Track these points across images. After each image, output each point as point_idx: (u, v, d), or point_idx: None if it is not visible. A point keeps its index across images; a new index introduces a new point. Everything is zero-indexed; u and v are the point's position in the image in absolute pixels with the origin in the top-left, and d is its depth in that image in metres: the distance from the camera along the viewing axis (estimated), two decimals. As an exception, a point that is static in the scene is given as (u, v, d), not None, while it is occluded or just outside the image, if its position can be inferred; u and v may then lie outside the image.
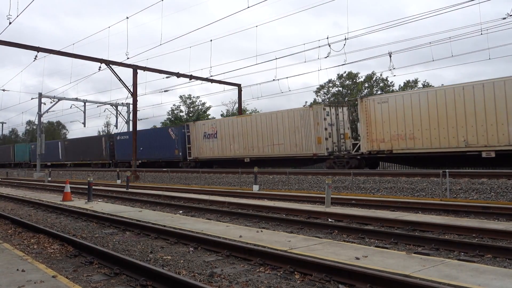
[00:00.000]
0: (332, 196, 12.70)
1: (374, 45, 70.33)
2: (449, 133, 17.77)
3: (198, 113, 60.03)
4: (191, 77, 32.73)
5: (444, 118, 17.93)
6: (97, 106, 45.52)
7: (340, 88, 55.54)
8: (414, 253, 6.58)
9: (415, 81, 51.64)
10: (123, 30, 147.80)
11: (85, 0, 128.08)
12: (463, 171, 16.50)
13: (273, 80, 27.53)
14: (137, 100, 31.24)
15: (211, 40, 26.78)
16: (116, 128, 45.62)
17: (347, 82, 54.90)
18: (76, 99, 43.13)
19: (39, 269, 5.55)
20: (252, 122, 26.37)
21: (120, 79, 30.51)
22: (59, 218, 11.83)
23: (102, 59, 29.16)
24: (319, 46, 22.30)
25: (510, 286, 4.62)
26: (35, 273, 5.35)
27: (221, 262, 6.32)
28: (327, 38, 20.86)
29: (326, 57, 22.27)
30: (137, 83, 30.89)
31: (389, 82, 52.84)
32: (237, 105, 42.81)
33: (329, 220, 10.22)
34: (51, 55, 28.15)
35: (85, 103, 43.80)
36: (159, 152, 33.53)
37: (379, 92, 51.15)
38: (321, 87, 55.35)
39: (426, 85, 50.44)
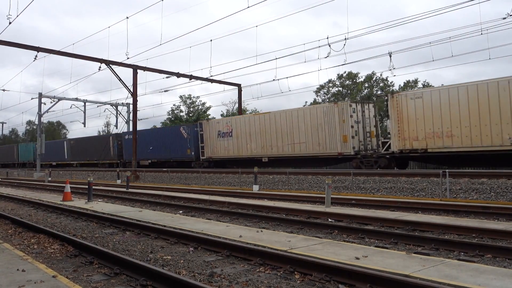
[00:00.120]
0: (332, 196, 12.70)
1: (374, 45, 70.37)
2: (492, 130, 16.52)
3: (198, 113, 60.03)
4: (191, 77, 32.73)
5: (486, 114, 16.63)
6: (97, 106, 45.48)
7: (340, 88, 55.56)
8: (414, 253, 6.58)
9: (415, 81, 51.64)
10: (123, 30, 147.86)
11: (85, 0, 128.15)
12: (463, 171, 16.48)
13: (273, 80, 27.59)
14: (137, 100, 31.27)
15: (211, 40, 26.82)
16: (116, 128, 45.53)
17: (347, 82, 54.93)
18: (76, 99, 43.09)
19: (39, 269, 5.55)
20: (271, 119, 25.12)
21: (120, 79, 30.52)
22: (59, 218, 11.83)
23: (102, 59, 29.17)
24: (319, 46, 22.34)
25: (510, 286, 4.62)
26: (35, 273, 5.36)
27: (221, 262, 6.32)
28: (327, 38, 20.90)
29: (326, 57, 22.31)
30: (137, 83, 30.94)
31: (389, 82, 52.87)
32: (237, 105, 42.82)
33: (329, 220, 10.22)
34: (51, 55, 28.17)
35: (85, 103, 43.76)
36: (170, 152, 32.55)
37: (379, 92, 51.17)
38: (321, 87, 55.39)
39: (426, 85, 50.46)
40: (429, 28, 62.91)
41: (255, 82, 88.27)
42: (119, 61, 29.95)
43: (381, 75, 52.50)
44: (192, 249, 7.18)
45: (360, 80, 53.81)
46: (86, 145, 43.44)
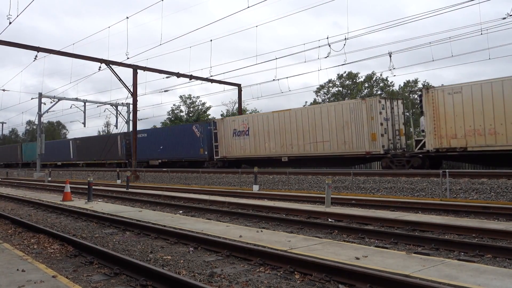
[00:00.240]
0: (332, 196, 12.70)
1: (374, 45, 70.34)
2: None
3: (198, 113, 60.05)
4: (191, 77, 32.73)
5: None
6: (97, 106, 45.45)
7: (340, 88, 55.58)
8: (414, 253, 6.58)
9: (415, 81, 51.69)
10: (123, 30, 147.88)
11: (85, 0, 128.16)
12: (463, 171, 16.47)
13: (273, 80, 27.57)
14: (137, 100, 31.26)
15: (211, 40, 26.79)
16: (116, 128, 45.43)
17: (347, 82, 54.96)
18: (76, 99, 43.08)
19: (39, 269, 5.55)
20: (291, 117, 23.95)
21: (120, 79, 30.52)
22: (59, 218, 11.83)
23: (102, 59, 29.16)
24: (319, 46, 22.32)
25: (510, 286, 4.62)
26: (35, 273, 5.35)
27: (221, 262, 6.32)
28: (327, 38, 20.88)
29: (326, 57, 22.27)
30: (137, 83, 30.92)
31: (389, 82, 52.92)
32: (237, 105, 42.82)
33: (329, 220, 10.22)
34: (51, 55, 28.16)
35: (85, 103, 43.75)
36: (182, 151, 31.47)
37: (379, 92, 51.20)
38: (321, 87, 55.45)
39: (426, 85, 50.44)
40: (429, 28, 62.97)
41: (255, 82, 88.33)
42: (119, 61, 29.98)
43: (381, 75, 52.57)
44: (192, 249, 7.18)
45: (360, 80, 53.85)
46: (92, 145, 42.18)
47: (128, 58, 27.86)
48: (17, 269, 5.50)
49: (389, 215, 10.28)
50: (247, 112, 54.14)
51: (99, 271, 5.89)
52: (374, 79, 53.36)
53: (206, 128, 29.78)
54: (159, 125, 57.94)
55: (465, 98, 17.17)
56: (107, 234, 8.92)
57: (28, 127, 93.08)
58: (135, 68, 30.44)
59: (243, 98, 38.77)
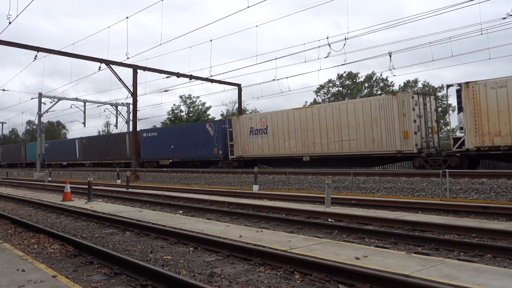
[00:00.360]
0: (332, 196, 12.70)
1: (374, 45, 70.36)
2: None
3: (198, 113, 60.07)
4: (191, 77, 32.74)
5: None
6: (97, 106, 45.56)
7: (340, 88, 55.59)
8: (414, 253, 6.58)
9: (415, 81, 51.70)
10: (123, 30, 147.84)
11: (85, 0, 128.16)
12: (463, 171, 16.43)
13: (273, 80, 27.57)
14: (137, 100, 31.28)
15: (211, 40, 26.81)
16: (116, 128, 45.51)
17: (347, 82, 54.97)
18: (76, 99, 43.15)
19: (39, 269, 5.55)
20: (314, 114, 22.78)
21: (120, 79, 30.53)
22: (59, 218, 11.83)
23: (102, 59, 29.17)
24: (319, 46, 22.32)
25: (510, 286, 4.62)
26: (35, 273, 5.35)
27: (221, 262, 6.32)
28: (327, 38, 20.88)
29: (326, 57, 22.27)
30: (137, 83, 30.94)
31: (389, 82, 52.93)
32: (237, 105, 42.83)
33: (329, 220, 10.22)
34: (51, 55, 28.17)
35: (85, 103, 43.83)
36: (194, 151, 30.28)
37: (379, 92, 51.22)
38: (321, 87, 55.45)
39: (426, 85, 50.49)
40: (429, 28, 62.97)
41: (255, 82, 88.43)
42: (119, 61, 29.99)
43: (381, 75, 52.58)
44: (192, 249, 7.18)
45: (360, 80, 53.87)
46: (99, 144, 40.60)
47: (128, 58, 27.90)
48: (17, 269, 5.50)
49: (389, 215, 10.28)
50: (247, 112, 54.12)
51: (99, 271, 5.89)
52: (374, 79, 53.38)
53: (220, 127, 28.73)
54: (159, 125, 57.93)
55: (511, 93, 16.04)
56: (107, 234, 8.92)
57: (28, 127, 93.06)
58: (135, 68, 30.45)
59: (243, 98, 38.80)
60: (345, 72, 53.27)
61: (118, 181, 28.25)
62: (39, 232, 8.92)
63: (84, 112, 43.69)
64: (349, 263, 5.56)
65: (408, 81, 51.99)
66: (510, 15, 17.11)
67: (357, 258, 5.88)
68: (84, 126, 44.14)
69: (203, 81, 34.10)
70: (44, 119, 49.05)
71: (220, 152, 28.39)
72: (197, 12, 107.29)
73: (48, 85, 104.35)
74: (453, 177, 14.66)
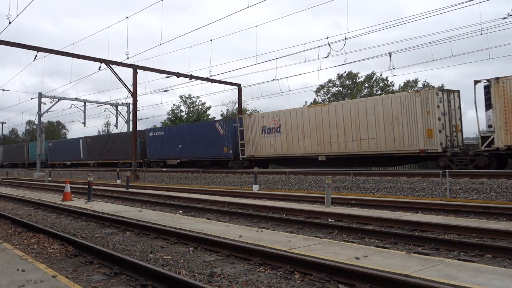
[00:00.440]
0: (332, 196, 12.70)
1: (374, 45, 70.37)
2: None
3: (198, 113, 60.08)
4: (191, 77, 32.73)
5: None
6: (97, 106, 45.58)
7: (340, 88, 55.60)
8: (414, 253, 6.58)
9: (415, 81, 51.71)
10: (123, 30, 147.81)
11: (85, 0, 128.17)
12: (463, 171, 16.42)
13: (273, 80, 27.54)
14: (137, 100, 31.26)
15: (211, 40, 26.76)
16: (116, 128, 45.54)
17: (347, 82, 54.96)
18: (76, 99, 43.18)
19: (39, 269, 5.55)
20: (330, 112, 21.92)
21: (120, 79, 30.53)
22: (59, 218, 11.83)
23: (102, 59, 29.16)
24: (319, 46, 22.28)
25: (510, 286, 4.62)
26: (35, 273, 5.35)
27: (221, 262, 6.32)
28: (327, 38, 20.85)
29: (326, 57, 22.22)
30: (137, 83, 30.93)
31: (389, 82, 52.93)
32: (237, 105, 42.84)
33: (329, 220, 10.22)
34: (51, 55, 28.16)
35: (85, 103, 43.86)
36: (203, 150, 29.47)
37: (379, 92, 51.25)
38: (321, 87, 55.42)
39: (426, 85, 50.51)
40: (429, 28, 63.00)
41: (255, 82, 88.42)
42: (119, 61, 29.96)
43: (381, 75, 52.57)
44: (192, 249, 7.18)
45: (360, 80, 53.87)
46: (104, 144, 39.62)
47: (128, 58, 27.78)
48: (17, 269, 5.50)
49: (389, 215, 10.28)
50: (247, 112, 54.13)
51: (99, 271, 5.89)
52: (374, 79, 53.37)
53: (230, 125, 27.87)
54: (159, 125, 57.90)
55: None
56: (107, 234, 8.92)
57: (28, 127, 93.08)
58: (135, 68, 30.45)
59: (243, 98, 38.78)
60: (345, 72, 53.28)
61: (118, 181, 28.25)
62: (39, 232, 8.92)
63: (84, 112, 43.75)
64: (349, 263, 5.56)
65: (408, 81, 52.00)
66: (510, 15, 17.10)
67: (357, 258, 5.88)
68: (84, 126, 44.22)
69: (203, 81, 34.11)
70: (44, 119, 49.10)
71: (231, 151, 27.60)
72: (197, 12, 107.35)
73: (48, 85, 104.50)
74: (453, 177, 14.66)
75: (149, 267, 5.49)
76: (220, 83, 35.00)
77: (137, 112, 32.05)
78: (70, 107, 43.32)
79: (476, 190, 13.63)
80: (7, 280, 5.02)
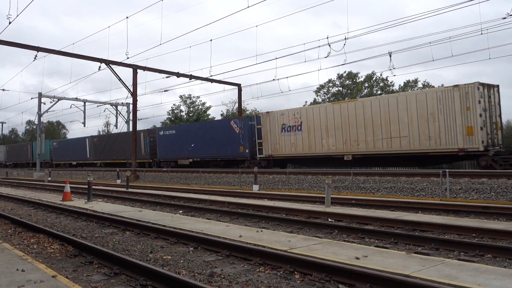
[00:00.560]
0: (332, 196, 12.69)
1: (374, 45, 70.37)
2: None
3: (198, 113, 60.09)
4: (191, 76, 32.73)
5: None
6: (97, 106, 45.58)
7: (340, 88, 55.60)
8: (414, 253, 6.58)
9: (415, 81, 51.74)
10: (123, 30, 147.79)
11: (85, 0, 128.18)
12: (463, 171, 16.40)
13: (273, 80, 27.54)
14: (137, 100, 31.26)
15: (211, 40, 26.74)
16: (116, 128, 45.53)
17: (347, 82, 54.96)
18: (76, 99, 43.18)
19: (39, 269, 5.55)
20: (357, 109, 20.79)
21: (120, 79, 30.53)
22: (59, 218, 11.83)
23: (102, 59, 29.17)
24: (319, 46, 22.26)
25: (510, 286, 4.61)
26: (35, 273, 5.35)
27: (221, 262, 6.32)
28: (327, 38, 20.83)
29: (326, 57, 22.20)
30: (137, 83, 30.92)
31: (389, 82, 52.94)
32: (237, 105, 42.85)
33: (329, 220, 10.22)
34: (51, 55, 28.17)
35: (85, 103, 43.87)
36: (217, 150, 28.38)
37: (379, 92, 51.27)
38: (321, 87, 55.42)
39: (426, 85, 50.54)
40: (429, 28, 63.00)
41: (255, 82, 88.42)
42: (119, 61, 29.96)
43: (381, 75, 52.58)
44: (192, 249, 7.17)
45: (360, 80, 53.88)
46: (112, 143, 38.50)
47: (128, 58, 27.77)
48: (17, 269, 5.49)
49: (389, 215, 10.28)
50: (247, 112, 54.13)
51: (99, 271, 5.89)
52: (374, 79, 53.38)
53: (247, 124, 26.67)
54: (159, 125, 57.89)
55: None
56: (107, 234, 8.91)
57: (28, 127, 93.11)
58: (135, 68, 30.44)
59: (243, 98, 38.79)
60: (345, 72, 53.27)
61: (118, 181, 28.25)
62: (39, 232, 8.92)
63: (84, 112, 43.76)
64: (349, 263, 5.55)
65: (408, 81, 52.02)
66: (510, 15, 17.09)
67: (357, 258, 5.88)
68: (84, 126, 44.21)
69: (203, 81, 34.12)
70: (44, 119, 49.02)
71: (247, 150, 26.39)
72: (197, 12, 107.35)
73: (48, 85, 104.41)
74: (453, 177, 14.66)
75: (149, 267, 5.49)
76: (220, 83, 35.02)
77: (137, 112, 32.09)
78: (70, 107, 43.37)
79: (476, 190, 13.63)
80: (7, 280, 5.02)
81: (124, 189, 21.03)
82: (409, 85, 51.31)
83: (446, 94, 17.95)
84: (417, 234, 8.13)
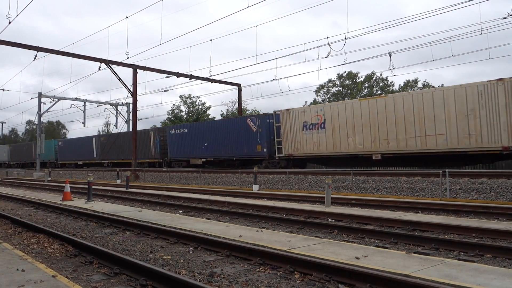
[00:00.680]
0: (332, 196, 12.70)
1: (374, 45, 70.35)
2: None
3: (198, 113, 60.11)
4: (191, 76, 32.73)
5: None
6: (97, 106, 45.60)
7: (340, 88, 55.61)
8: (414, 253, 6.58)
9: (415, 81, 51.79)
10: (122, 30, 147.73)
11: (85, 0, 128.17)
12: (463, 170, 16.37)
13: (273, 80, 27.55)
14: (137, 100, 31.27)
15: (211, 40, 26.76)
16: (116, 127, 45.52)
17: (347, 82, 54.99)
18: (76, 99, 43.19)
19: (39, 269, 5.55)
20: (387, 105, 19.76)
21: (120, 79, 30.54)
22: (59, 218, 11.83)
23: (102, 59, 29.17)
24: (319, 46, 22.27)
25: (510, 286, 4.61)
26: (35, 272, 5.35)
27: (221, 261, 6.32)
28: (327, 38, 20.83)
29: (326, 57, 22.21)
30: (137, 83, 30.93)
31: (389, 82, 52.97)
32: (237, 105, 42.85)
33: (329, 220, 10.22)
34: (51, 54, 28.17)
35: (84, 103, 43.89)
36: (232, 149, 27.40)
37: (379, 92, 51.25)
38: (321, 87, 55.47)
39: (426, 85, 50.56)
40: (429, 28, 63.00)
41: (255, 82, 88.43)
42: (119, 60, 29.98)
43: (381, 75, 52.64)
44: (192, 249, 7.17)
45: (360, 80, 53.90)
46: (119, 142, 37.29)
47: (128, 58, 27.77)
48: (17, 269, 5.49)
49: (389, 215, 10.28)
50: (247, 112, 54.14)
51: (99, 271, 5.89)
52: (374, 79, 53.41)
53: (264, 122, 25.55)
54: (159, 125, 57.91)
55: None
56: (107, 234, 8.91)
57: (28, 127, 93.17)
58: (135, 68, 30.45)
59: (243, 98, 38.80)
60: (345, 72, 53.33)
61: (118, 181, 28.25)
62: (39, 232, 8.92)
63: (84, 112, 43.78)
64: (349, 263, 5.55)
65: (408, 81, 52.06)
66: (510, 15, 17.09)
67: (357, 258, 5.88)
68: (84, 126, 44.23)
69: (203, 81, 34.13)
70: (44, 119, 49.00)
71: (265, 150, 25.36)
72: (197, 12, 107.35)
73: (48, 85, 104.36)
74: (453, 177, 14.66)
75: (149, 267, 5.49)
76: (220, 83, 35.03)
77: (137, 112, 32.09)
78: (70, 107, 43.39)
79: (476, 190, 13.63)
80: (7, 280, 5.02)
81: (124, 189, 21.03)
82: (409, 85, 51.36)
83: (489, 88, 16.81)
84: (417, 234, 8.13)
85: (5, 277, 5.15)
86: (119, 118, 45.26)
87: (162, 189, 21.14)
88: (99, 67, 29.28)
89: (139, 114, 40.77)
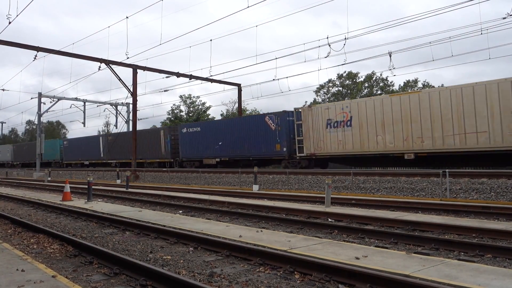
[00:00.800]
0: (332, 196, 12.69)
1: (374, 45, 70.34)
2: None
3: (198, 113, 60.10)
4: (191, 76, 32.73)
5: None
6: (97, 106, 45.61)
7: (340, 88, 55.61)
8: (414, 253, 6.57)
9: (415, 81, 51.81)
10: (122, 30, 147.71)
11: (85, 0, 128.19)
12: (463, 171, 16.35)
13: (273, 80, 27.55)
14: (137, 100, 31.26)
15: (211, 40, 26.75)
16: (116, 127, 45.53)
17: (347, 82, 54.99)
18: (76, 99, 43.20)
19: (38, 269, 5.54)
20: (422, 102, 18.60)
21: (120, 79, 30.53)
22: (59, 218, 11.83)
23: (101, 59, 29.16)
24: (319, 46, 22.26)
25: (510, 286, 4.61)
26: (35, 273, 5.35)
27: (221, 262, 6.32)
28: (327, 38, 20.82)
29: (326, 57, 22.20)
30: (137, 83, 30.93)
31: (389, 82, 52.98)
32: (237, 105, 42.85)
33: (329, 220, 10.22)
34: (51, 54, 28.15)
35: (84, 103, 43.90)
36: (249, 148, 26.30)
37: (379, 92, 51.25)
38: (321, 87, 55.48)
39: (426, 85, 50.58)
40: (429, 28, 63.00)
41: (255, 82, 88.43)
42: (119, 60, 29.97)
43: (381, 75, 52.66)
44: (192, 249, 7.17)
45: (360, 80, 53.91)
46: (128, 141, 36.00)
47: (128, 58, 27.78)
48: (17, 269, 5.49)
49: (389, 215, 10.28)
50: (247, 112, 54.15)
51: (99, 271, 5.89)
52: (374, 79, 53.42)
53: (284, 119, 24.41)
54: (159, 125, 57.92)
55: None
56: (107, 234, 8.91)
57: (27, 127, 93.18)
58: (135, 68, 30.44)
59: (243, 98, 38.78)
60: (345, 72, 53.34)
61: (118, 181, 28.25)
62: (39, 232, 8.91)
63: (84, 112, 43.80)
64: (349, 263, 5.55)
65: (408, 81, 52.08)
66: (510, 15, 17.09)
67: (357, 258, 5.88)
68: (84, 126, 44.24)
69: (203, 81, 34.12)
70: (44, 119, 48.98)
71: (284, 149, 24.28)
72: (197, 12, 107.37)
73: (48, 85, 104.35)
74: (453, 177, 14.66)
75: (149, 267, 5.48)
76: (220, 83, 35.02)
77: (137, 112, 32.08)
78: (70, 107, 43.41)
79: (476, 190, 13.63)
80: (6, 280, 5.02)
81: (124, 189, 21.03)
82: (409, 85, 51.38)
83: None
84: (417, 234, 8.13)
85: (5, 277, 5.15)
86: (119, 118, 45.30)
87: (162, 189, 21.14)
88: (99, 67, 29.28)
89: (139, 114, 40.82)
